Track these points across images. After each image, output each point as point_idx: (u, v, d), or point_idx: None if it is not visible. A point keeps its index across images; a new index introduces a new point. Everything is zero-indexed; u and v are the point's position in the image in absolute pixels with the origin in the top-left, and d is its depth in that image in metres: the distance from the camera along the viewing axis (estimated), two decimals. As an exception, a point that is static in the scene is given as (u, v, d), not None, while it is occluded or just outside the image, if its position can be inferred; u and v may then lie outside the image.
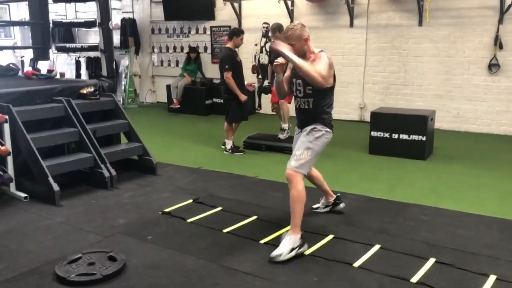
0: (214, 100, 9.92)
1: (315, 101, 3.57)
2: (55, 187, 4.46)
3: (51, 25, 6.24)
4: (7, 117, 4.53)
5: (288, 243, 3.35)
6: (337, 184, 5.09)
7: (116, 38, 11.57)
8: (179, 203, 4.48)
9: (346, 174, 5.57)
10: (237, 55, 6.69)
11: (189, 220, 4.05)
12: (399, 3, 8.11)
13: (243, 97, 6.47)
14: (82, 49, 7.26)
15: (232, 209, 4.32)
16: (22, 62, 12.42)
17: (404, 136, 6.11)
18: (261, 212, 4.23)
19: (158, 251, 3.49)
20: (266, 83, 6.93)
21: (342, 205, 4.24)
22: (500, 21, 7.30)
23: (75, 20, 7.24)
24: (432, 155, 6.25)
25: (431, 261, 3.26)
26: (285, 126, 6.87)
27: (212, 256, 3.40)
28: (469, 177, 5.36)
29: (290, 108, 5.76)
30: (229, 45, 6.49)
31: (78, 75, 11.70)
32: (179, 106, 9.91)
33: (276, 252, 3.33)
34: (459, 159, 6.12)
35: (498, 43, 7.33)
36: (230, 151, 6.65)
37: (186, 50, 10.62)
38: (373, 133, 6.32)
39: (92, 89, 5.47)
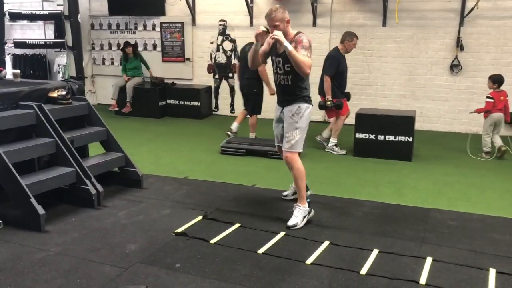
0: (168, 101, 9.27)
1: (293, 78, 3.82)
2: (40, 210, 3.74)
3: (6, 16, 5.33)
4: (-27, 127, 3.72)
5: (300, 213, 3.89)
6: (340, 190, 4.94)
7: (49, 34, 10.49)
8: (188, 221, 3.98)
9: (343, 179, 5.37)
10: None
11: (212, 241, 3.58)
12: (363, 3, 8.10)
13: (272, 91, 6.43)
14: (46, 46, 6.30)
15: (252, 225, 3.92)
16: None
17: (390, 138, 6.06)
18: (285, 227, 3.86)
19: (198, 282, 3.00)
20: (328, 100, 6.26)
21: (309, 192, 4.39)
22: (461, 23, 7.56)
23: (37, 12, 6.26)
24: (414, 155, 6.26)
25: (492, 272, 3.14)
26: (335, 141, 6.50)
27: (265, 284, 2.98)
28: (463, 177, 5.41)
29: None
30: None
31: None
32: (131, 109, 9.10)
33: (292, 222, 3.83)
34: (442, 159, 6.20)
35: (459, 44, 7.58)
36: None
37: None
38: (358, 135, 6.21)
39: (64, 92, 4.73)
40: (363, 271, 3.14)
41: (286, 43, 3.63)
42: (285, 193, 4.57)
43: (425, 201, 4.59)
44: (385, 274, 3.11)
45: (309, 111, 3.94)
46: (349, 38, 6.25)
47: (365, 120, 6.19)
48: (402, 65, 8.06)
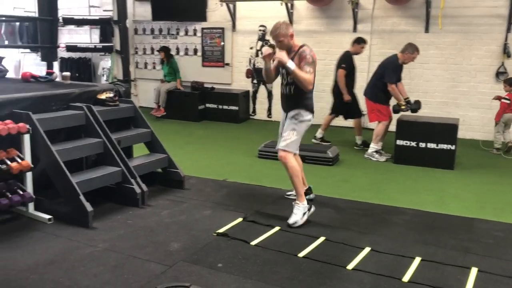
0: (207, 105, 9.43)
1: (296, 88, 4.00)
2: (88, 207, 3.89)
3: (60, 21, 5.60)
4: (29, 126, 3.91)
5: (299, 211, 3.99)
6: (381, 196, 4.90)
7: (94, 38, 10.87)
8: (228, 222, 4.04)
9: (384, 186, 5.33)
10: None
11: (253, 243, 3.63)
12: (405, 8, 8.02)
13: (347, 97, 6.91)
14: (95, 50, 6.58)
15: (292, 229, 3.94)
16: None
17: (432, 145, 5.96)
18: (325, 232, 3.88)
19: (240, 282, 3.05)
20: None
21: (312, 195, 4.55)
22: (509, 29, 7.37)
23: (88, 17, 6.55)
24: (456, 164, 6.12)
25: (541, 284, 3.05)
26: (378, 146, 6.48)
27: (306, 287, 3.00)
28: (508, 187, 5.27)
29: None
30: (350, 49, 7.00)
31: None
32: (164, 113, 9.28)
33: (292, 220, 3.94)
34: (486, 168, 6.06)
35: (506, 51, 7.38)
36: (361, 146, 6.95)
37: (173, 52, 10.05)
38: (399, 142, 6.14)
39: (112, 95, 4.91)
40: (406, 278, 3.12)
41: (289, 63, 3.83)
42: (288, 193, 4.66)
43: (468, 210, 4.50)
44: (428, 282, 3.07)
45: (309, 119, 4.10)
46: (410, 50, 6.18)
47: (407, 127, 6.11)
48: (445, 72, 7.92)
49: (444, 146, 5.90)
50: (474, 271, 3.22)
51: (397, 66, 6.29)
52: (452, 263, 3.35)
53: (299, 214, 3.96)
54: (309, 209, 4.03)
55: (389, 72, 6.22)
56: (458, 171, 5.91)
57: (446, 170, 5.87)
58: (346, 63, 6.88)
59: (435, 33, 7.82)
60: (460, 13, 7.63)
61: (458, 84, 7.86)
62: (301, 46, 3.96)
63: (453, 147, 5.88)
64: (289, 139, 4.02)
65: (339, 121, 8.79)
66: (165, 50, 9.43)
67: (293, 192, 4.47)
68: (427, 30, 7.89)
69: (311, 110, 4.12)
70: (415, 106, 6.27)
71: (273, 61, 4.05)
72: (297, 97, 4.05)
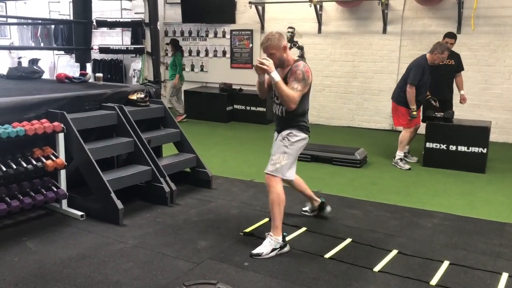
0: (235, 106, 9.51)
1: (287, 109, 3.55)
2: (119, 204, 3.99)
3: (94, 24, 5.77)
4: (63, 126, 4.05)
5: (270, 245, 3.46)
6: (409, 199, 4.84)
7: (125, 40, 11.11)
8: (255, 222, 4.08)
9: (412, 189, 5.26)
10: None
11: (279, 243, 3.65)
12: (436, 9, 7.90)
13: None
14: (127, 51, 6.77)
15: (318, 230, 3.95)
16: (20, 63, 11.78)
17: (462, 148, 5.85)
18: (351, 233, 3.88)
19: (266, 281, 3.08)
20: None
21: (328, 208, 4.22)
22: (545, 30, 7.17)
23: (120, 20, 6.75)
24: (488, 168, 5.99)
25: None
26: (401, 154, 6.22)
27: None
28: (542, 192, 5.13)
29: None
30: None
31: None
32: (183, 119, 9.28)
33: (257, 251, 3.44)
34: (519, 172, 5.92)
35: (542, 52, 7.19)
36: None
37: (202, 54, 10.20)
38: (428, 145, 6.04)
39: (142, 95, 5.02)
40: (433, 282, 3.08)
41: (273, 73, 3.32)
42: (304, 209, 4.33)
43: (500, 215, 4.40)
44: (457, 286, 3.04)
45: (303, 138, 3.62)
46: (439, 49, 5.81)
47: (437, 129, 6.01)
48: (477, 74, 7.75)
49: (475, 149, 5.78)
50: (504, 276, 3.17)
51: (424, 67, 5.90)
52: (482, 268, 3.29)
53: (268, 247, 3.44)
54: (281, 247, 3.48)
55: (413, 72, 5.88)
56: (489, 174, 5.78)
57: (477, 173, 5.75)
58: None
59: (467, 34, 7.67)
60: (494, 14, 7.46)
61: (491, 86, 7.69)
62: (296, 61, 3.49)
63: (484, 150, 5.76)
64: (278, 163, 3.52)
65: (365, 123, 8.74)
66: (173, 42, 9.21)
67: (308, 208, 4.29)
68: (459, 31, 7.73)
69: (305, 130, 3.63)
70: (448, 115, 6.08)
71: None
72: (289, 117, 3.56)
